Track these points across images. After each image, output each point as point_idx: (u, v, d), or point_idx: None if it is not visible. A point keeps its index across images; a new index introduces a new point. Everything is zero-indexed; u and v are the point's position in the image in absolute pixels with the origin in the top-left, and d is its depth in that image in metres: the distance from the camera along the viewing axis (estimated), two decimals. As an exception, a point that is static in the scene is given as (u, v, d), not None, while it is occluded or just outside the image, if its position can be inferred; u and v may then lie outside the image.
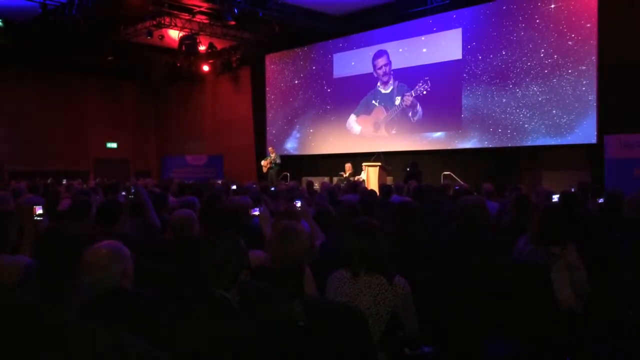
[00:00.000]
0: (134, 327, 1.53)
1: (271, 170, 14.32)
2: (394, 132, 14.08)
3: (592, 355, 3.56)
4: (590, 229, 4.42)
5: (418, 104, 13.50)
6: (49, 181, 11.77)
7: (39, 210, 3.71)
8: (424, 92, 13.30)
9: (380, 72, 14.28)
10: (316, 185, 10.27)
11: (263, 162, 14.70)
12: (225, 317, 2.00)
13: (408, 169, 11.20)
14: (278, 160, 14.38)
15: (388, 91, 14.15)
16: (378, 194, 7.67)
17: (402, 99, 13.79)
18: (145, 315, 2.15)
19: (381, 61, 14.25)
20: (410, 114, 13.70)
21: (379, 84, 14.35)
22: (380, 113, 14.36)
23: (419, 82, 13.35)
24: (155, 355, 1.06)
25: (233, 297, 2.06)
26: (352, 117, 15.02)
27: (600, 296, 3.55)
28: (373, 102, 14.49)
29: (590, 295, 3.41)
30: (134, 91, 21.15)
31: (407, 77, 13.69)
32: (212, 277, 2.08)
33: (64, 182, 11.53)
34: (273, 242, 2.72)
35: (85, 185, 10.19)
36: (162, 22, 14.08)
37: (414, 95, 13.52)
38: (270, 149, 15.08)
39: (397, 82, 13.96)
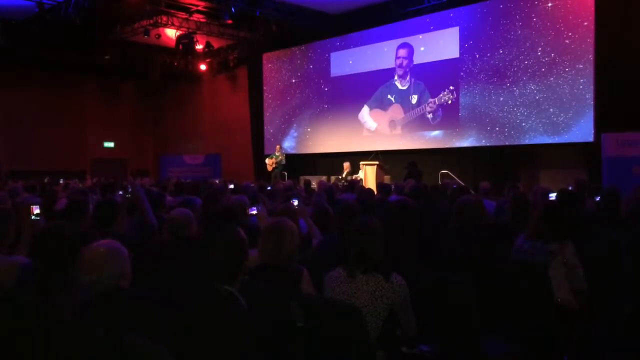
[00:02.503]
0: (132, 327, 1.52)
1: (276, 170, 14.14)
2: (408, 131, 13.81)
3: (590, 353, 3.56)
4: (588, 227, 4.42)
5: (440, 109, 13.14)
6: (45, 181, 11.73)
7: (36, 210, 3.69)
8: (449, 102, 12.88)
9: (398, 62, 13.90)
10: (314, 184, 10.26)
11: (268, 161, 14.44)
12: (233, 312, 2.00)
13: (406, 169, 11.18)
14: (283, 162, 14.20)
15: (404, 87, 13.82)
16: (376, 192, 7.67)
17: (419, 98, 13.44)
18: (143, 314, 2.14)
19: (402, 52, 13.82)
20: (430, 116, 13.32)
21: (396, 77, 14.00)
22: (397, 111, 13.98)
23: (444, 90, 12.93)
24: (157, 354, 1.05)
25: (238, 291, 2.07)
26: (365, 109, 14.65)
27: (597, 294, 3.56)
28: (389, 97, 14.14)
29: (587, 293, 3.41)
30: (131, 90, 21.11)
31: (414, 74, 13.61)
32: (215, 271, 2.08)
33: (61, 181, 11.49)
34: (264, 238, 2.72)
35: (81, 185, 10.16)
36: (159, 21, 14.05)
37: (437, 103, 13.11)
38: (277, 147, 14.75)
39: (413, 80, 13.65)
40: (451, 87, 12.86)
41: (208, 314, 2.01)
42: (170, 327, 2.03)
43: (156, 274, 3.12)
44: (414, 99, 13.63)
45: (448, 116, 12.89)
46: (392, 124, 14.15)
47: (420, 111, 13.54)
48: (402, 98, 13.89)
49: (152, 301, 2.26)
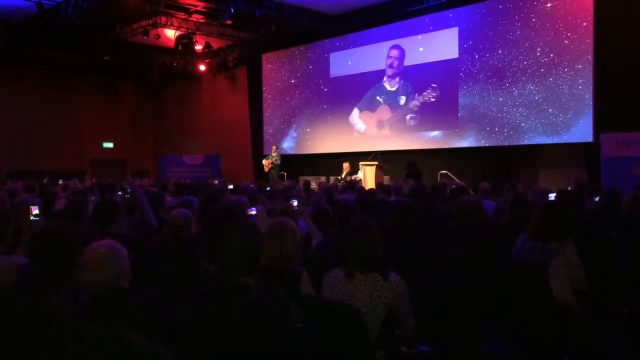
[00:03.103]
0: (132, 327, 1.52)
1: (272, 171, 14.22)
2: (397, 131, 13.99)
3: (590, 353, 3.56)
4: (588, 227, 4.42)
5: (418, 112, 13.40)
6: (45, 181, 11.71)
7: (35, 211, 3.69)
8: (432, 99, 13.15)
9: (389, 61, 14.07)
10: (313, 185, 10.26)
11: (264, 162, 14.53)
12: (248, 302, 2.02)
13: (406, 169, 11.18)
14: (278, 161, 14.27)
15: (393, 89, 14.00)
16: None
17: (407, 99, 13.66)
18: (143, 314, 2.14)
19: (394, 52, 13.98)
20: (408, 117, 13.64)
21: (385, 78, 14.16)
22: (384, 112, 14.20)
23: (427, 89, 13.18)
24: (157, 354, 1.05)
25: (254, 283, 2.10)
26: (355, 111, 14.86)
27: (597, 294, 3.56)
28: (378, 98, 14.32)
29: (587, 293, 3.41)
30: (131, 91, 21.10)
31: (406, 75, 13.67)
32: (234, 263, 2.10)
33: (61, 182, 11.48)
34: (266, 239, 2.71)
35: (80, 185, 10.16)
36: (159, 21, 14.05)
37: (421, 101, 13.36)
38: (274, 147, 14.84)
39: (402, 81, 13.82)
40: (434, 85, 13.05)
41: (227, 305, 2.02)
42: (183, 321, 2.05)
43: (156, 274, 3.12)
44: (402, 100, 13.78)
45: (447, 116, 12.90)
46: (380, 124, 14.32)
47: (405, 110, 13.72)
48: (391, 99, 14.05)
49: (152, 301, 2.26)
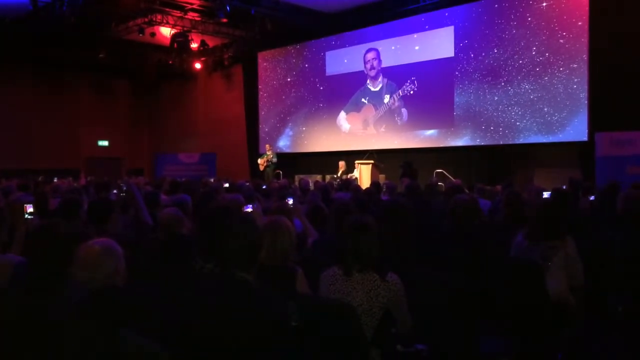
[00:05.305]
0: (127, 325, 1.52)
1: (268, 169, 14.27)
2: (382, 129, 14.13)
3: (585, 351, 3.57)
4: (584, 226, 4.43)
5: (403, 107, 13.61)
6: (39, 179, 11.66)
7: (30, 209, 3.67)
8: (411, 92, 13.37)
9: (368, 66, 14.35)
10: (310, 184, 10.23)
11: (260, 161, 14.62)
12: (245, 300, 2.02)
13: (401, 168, 11.17)
14: (274, 160, 14.32)
15: (377, 89, 14.20)
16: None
17: (390, 97, 13.82)
18: (138, 312, 2.14)
19: (370, 55, 14.34)
20: (396, 115, 13.80)
21: (368, 81, 14.41)
22: (369, 111, 14.42)
23: (406, 82, 13.42)
24: (151, 350, 1.05)
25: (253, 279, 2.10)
26: (342, 114, 15.07)
27: (592, 292, 3.57)
28: (362, 99, 14.55)
29: (583, 291, 3.42)
30: (126, 89, 21.03)
31: (398, 75, 13.70)
32: (233, 259, 2.09)
33: (55, 180, 11.44)
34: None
35: (76, 184, 10.12)
36: (154, 19, 14.01)
37: (401, 95, 13.59)
38: (267, 146, 14.97)
39: (385, 80, 14.00)
40: (412, 78, 13.30)
41: (225, 303, 2.02)
42: (179, 320, 2.04)
43: (151, 272, 3.12)
44: (387, 98, 13.98)
45: (442, 115, 12.92)
46: (365, 123, 14.56)
47: (387, 106, 13.96)
48: (375, 99, 14.28)
49: (147, 300, 2.26)
